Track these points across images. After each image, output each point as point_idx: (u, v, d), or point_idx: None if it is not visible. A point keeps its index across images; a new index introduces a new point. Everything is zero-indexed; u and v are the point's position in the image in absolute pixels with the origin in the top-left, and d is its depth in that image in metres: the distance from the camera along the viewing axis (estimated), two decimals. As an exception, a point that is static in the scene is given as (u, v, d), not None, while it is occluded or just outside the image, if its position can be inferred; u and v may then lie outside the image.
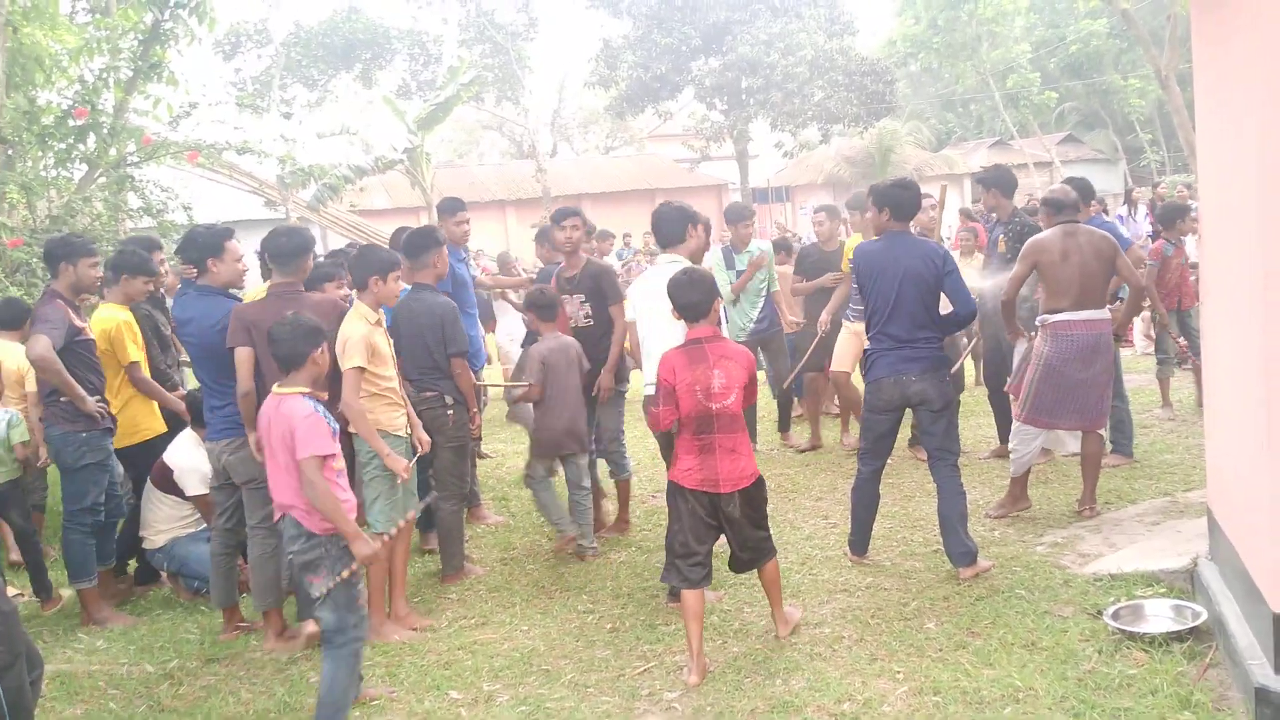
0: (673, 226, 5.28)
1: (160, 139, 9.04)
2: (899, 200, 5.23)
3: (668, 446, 4.96)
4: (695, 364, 4.27)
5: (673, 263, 5.10)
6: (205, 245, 5.01)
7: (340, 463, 3.94)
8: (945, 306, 5.24)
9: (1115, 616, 4.30)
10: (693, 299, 4.33)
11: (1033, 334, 5.90)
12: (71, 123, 8.37)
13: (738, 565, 4.54)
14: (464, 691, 4.31)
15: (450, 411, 5.47)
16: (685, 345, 4.36)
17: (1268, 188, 3.38)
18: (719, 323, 4.49)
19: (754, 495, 4.40)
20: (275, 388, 3.97)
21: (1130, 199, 17.06)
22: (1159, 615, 4.33)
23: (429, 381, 5.44)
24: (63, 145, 8.49)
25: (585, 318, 6.07)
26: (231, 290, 5.17)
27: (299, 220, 20.49)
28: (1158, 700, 3.69)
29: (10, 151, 8.14)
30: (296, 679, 4.57)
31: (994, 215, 7.00)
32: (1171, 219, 8.12)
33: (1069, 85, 36.28)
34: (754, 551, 4.47)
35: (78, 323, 5.34)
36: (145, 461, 5.83)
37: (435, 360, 5.44)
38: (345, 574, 3.83)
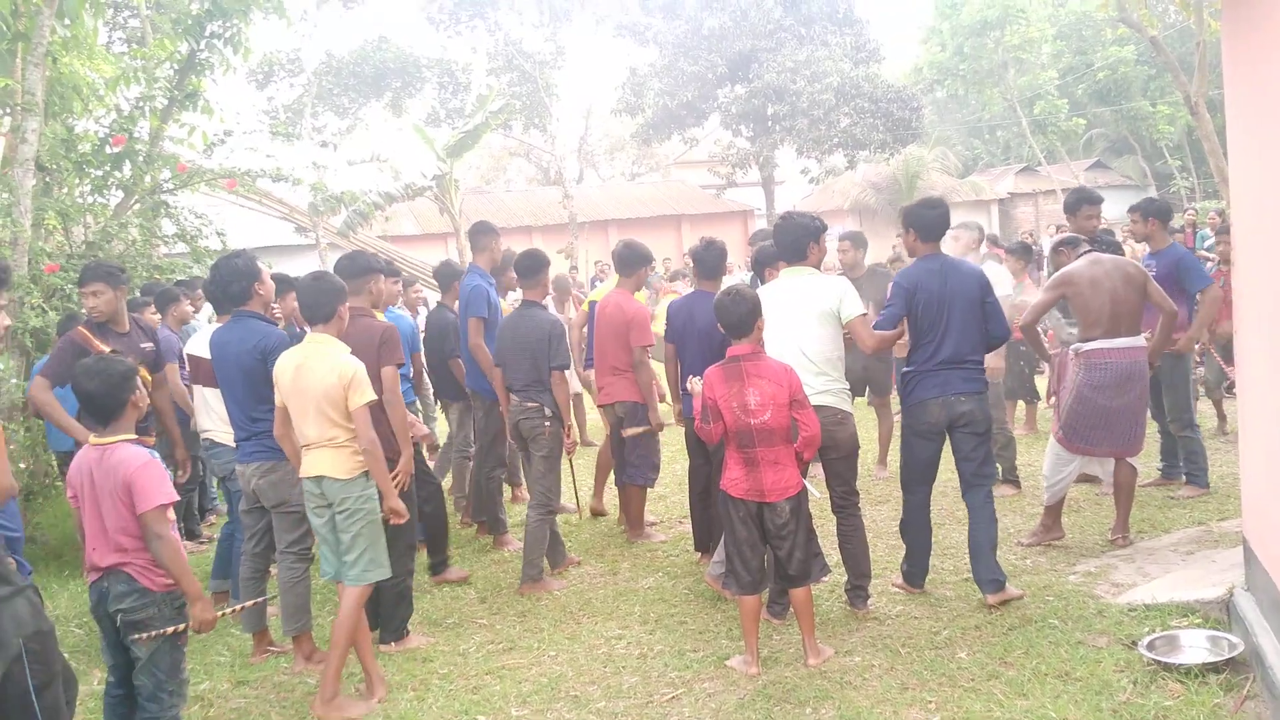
0: (797, 239, 5.18)
1: (195, 166, 9.16)
2: (924, 220, 5.21)
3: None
4: (731, 381, 4.42)
5: (802, 275, 5.15)
6: (249, 272, 5.07)
7: (172, 511, 3.65)
8: None
9: (1150, 647, 4.24)
10: (733, 318, 4.45)
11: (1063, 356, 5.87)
12: (108, 150, 8.49)
13: (787, 581, 4.57)
14: (491, 717, 4.31)
15: (548, 424, 5.85)
16: (724, 363, 4.50)
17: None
18: (761, 342, 4.54)
19: (801, 504, 4.50)
20: (92, 439, 3.66)
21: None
22: (1194, 646, 4.27)
23: (532, 394, 5.85)
24: (99, 172, 8.62)
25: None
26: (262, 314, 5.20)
27: (328, 246, 20.70)
28: (1195, 733, 3.64)
29: (48, 178, 8.26)
30: (325, 703, 4.57)
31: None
32: None
33: (1097, 111, 36.14)
34: (804, 567, 4.50)
35: (99, 347, 5.31)
36: None
37: (539, 374, 5.82)
38: (173, 630, 3.60)
